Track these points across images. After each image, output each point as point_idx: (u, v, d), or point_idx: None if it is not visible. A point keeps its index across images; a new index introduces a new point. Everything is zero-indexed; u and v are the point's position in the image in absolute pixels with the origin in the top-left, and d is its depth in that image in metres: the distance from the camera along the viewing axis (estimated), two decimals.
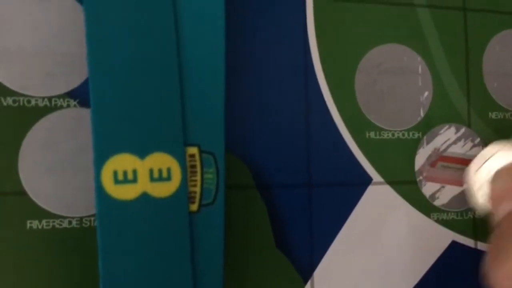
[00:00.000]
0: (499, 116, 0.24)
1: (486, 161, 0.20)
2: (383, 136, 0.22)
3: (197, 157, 0.18)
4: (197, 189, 0.18)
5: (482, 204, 0.20)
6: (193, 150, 0.18)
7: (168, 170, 0.18)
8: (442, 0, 0.23)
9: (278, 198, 0.21)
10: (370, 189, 0.22)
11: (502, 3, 0.24)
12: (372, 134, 0.22)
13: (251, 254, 0.20)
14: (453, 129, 0.23)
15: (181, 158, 0.18)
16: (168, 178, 0.18)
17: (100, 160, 0.17)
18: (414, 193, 0.22)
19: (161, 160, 0.17)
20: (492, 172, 0.20)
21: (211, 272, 0.18)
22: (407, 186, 0.22)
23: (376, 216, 0.22)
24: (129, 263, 0.17)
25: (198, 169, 0.18)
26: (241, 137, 0.20)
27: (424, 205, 0.22)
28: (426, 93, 0.23)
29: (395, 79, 0.22)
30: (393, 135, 0.22)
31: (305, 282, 0.21)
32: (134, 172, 0.17)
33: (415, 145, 0.22)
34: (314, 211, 0.21)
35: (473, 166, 0.21)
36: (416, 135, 0.22)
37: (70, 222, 0.19)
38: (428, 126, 0.23)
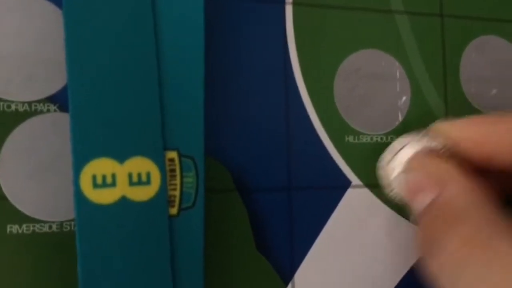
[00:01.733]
0: None
1: (398, 151, 0.20)
2: (362, 140, 0.22)
3: (176, 161, 0.18)
4: (177, 192, 0.18)
5: (398, 194, 0.20)
6: (173, 154, 0.18)
7: (147, 174, 0.18)
8: (419, 6, 0.24)
9: (258, 201, 0.21)
10: (349, 192, 0.22)
11: (479, 9, 0.25)
12: (351, 138, 0.22)
13: (232, 257, 0.20)
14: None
15: (160, 162, 0.18)
16: (148, 182, 0.18)
17: (78, 164, 0.17)
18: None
19: (140, 164, 0.18)
20: (404, 162, 0.20)
21: (191, 275, 0.18)
22: None
23: (355, 219, 0.22)
24: (108, 266, 0.17)
25: (178, 173, 0.18)
26: (221, 141, 0.21)
27: (403, 208, 0.23)
28: (404, 98, 0.23)
29: (373, 84, 0.23)
30: (371, 139, 0.23)
31: (286, 284, 0.21)
32: (113, 176, 0.17)
33: None
34: (294, 214, 0.21)
35: (385, 157, 0.21)
36: (395, 139, 0.23)
37: (50, 227, 0.19)
38: (406, 130, 0.23)
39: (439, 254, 0.16)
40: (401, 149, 0.20)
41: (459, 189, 0.18)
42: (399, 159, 0.20)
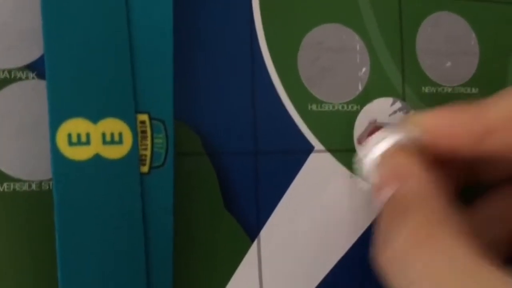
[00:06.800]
0: (431, 91, 0.26)
1: (373, 146, 0.20)
2: (324, 108, 0.24)
3: (147, 123, 0.20)
4: (148, 152, 0.20)
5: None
6: (144, 117, 0.20)
7: (120, 134, 0.19)
8: None
9: (227, 164, 0.22)
10: (312, 156, 0.24)
11: None
12: (314, 106, 0.24)
13: (201, 214, 0.22)
14: (389, 102, 0.25)
15: (132, 124, 0.19)
16: (120, 142, 0.19)
17: (55, 123, 0.18)
18: (352, 159, 0.24)
19: (113, 125, 0.19)
20: (376, 157, 0.20)
21: (162, 230, 0.20)
22: (346, 154, 0.24)
23: (318, 181, 0.24)
24: (83, 219, 0.18)
25: (148, 134, 0.20)
26: (190, 106, 0.22)
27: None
28: (364, 69, 0.25)
29: (335, 56, 0.24)
30: (333, 107, 0.24)
31: (252, 241, 0.23)
32: (87, 135, 0.19)
33: (353, 116, 0.24)
34: (260, 176, 0.23)
35: (362, 151, 0.21)
36: (355, 108, 0.24)
37: (30, 186, 0.20)
38: (365, 99, 0.25)
39: (389, 247, 0.17)
40: (376, 144, 0.20)
41: (417, 183, 0.18)
42: (372, 154, 0.21)
